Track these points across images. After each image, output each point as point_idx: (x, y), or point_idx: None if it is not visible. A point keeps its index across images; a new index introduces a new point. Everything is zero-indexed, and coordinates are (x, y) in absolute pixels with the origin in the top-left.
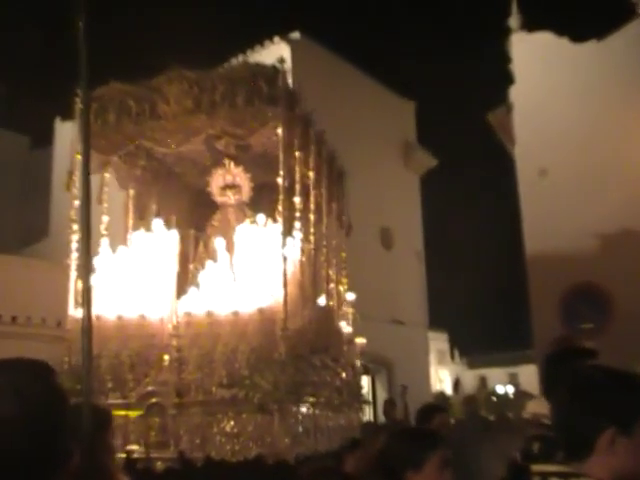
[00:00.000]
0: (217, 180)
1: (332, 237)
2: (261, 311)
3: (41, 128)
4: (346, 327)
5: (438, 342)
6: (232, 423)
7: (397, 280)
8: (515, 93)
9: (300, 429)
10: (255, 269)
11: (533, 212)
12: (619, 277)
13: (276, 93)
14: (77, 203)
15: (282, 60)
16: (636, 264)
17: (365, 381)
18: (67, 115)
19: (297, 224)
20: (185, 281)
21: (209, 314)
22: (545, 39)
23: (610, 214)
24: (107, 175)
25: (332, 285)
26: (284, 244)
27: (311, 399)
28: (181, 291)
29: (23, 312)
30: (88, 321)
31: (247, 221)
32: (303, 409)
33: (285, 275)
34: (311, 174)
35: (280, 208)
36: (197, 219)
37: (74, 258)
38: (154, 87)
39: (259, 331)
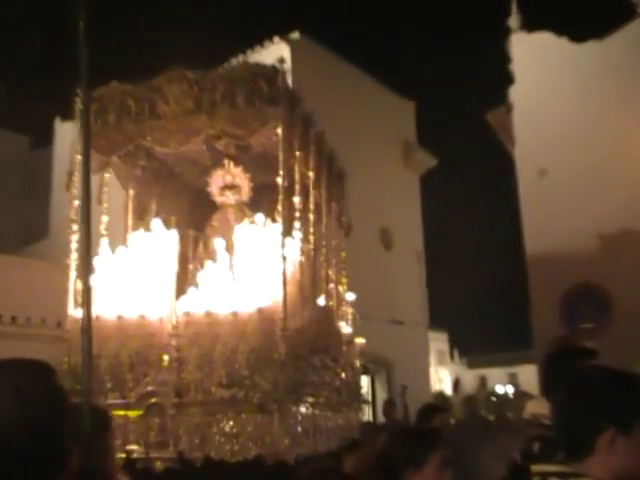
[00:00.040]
0: (217, 180)
1: (332, 237)
2: (260, 311)
3: (41, 128)
4: (346, 327)
5: (438, 342)
6: (231, 423)
7: (397, 280)
8: (515, 93)
9: (299, 429)
10: (254, 269)
11: (533, 212)
12: (619, 277)
13: (276, 93)
14: (77, 203)
15: (282, 60)
16: (636, 264)
17: (365, 381)
18: (67, 115)
19: (297, 224)
20: (185, 281)
21: (208, 314)
22: (545, 39)
23: (610, 214)
24: (107, 175)
25: (332, 285)
26: (283, 244)
27: (310, 399)
28: (181, 291)
29: (23, 312)
30: (88, 321)
31: (246, 221)
32: (302, 409)
33: (285, 275)
34: (311, 174)
35: (280, 208)
36: (197, 219)
37: (74, 258)
38: (154, 87)
39: (258, 331)
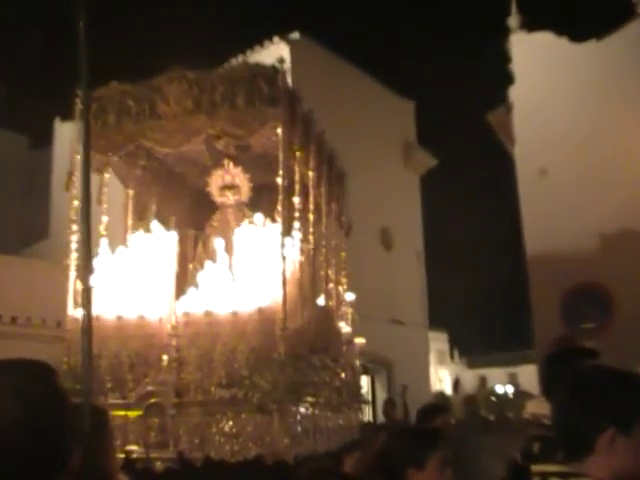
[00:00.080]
0: (216, 180)
1: (331, 237)
2: (260, 311)
3: (41, 128)
4: (345, 327)
5: (438, 342)
6: (231, 423)
7: (397, 280)
8: (515, 93)
9: (299, 429)
10: (254, 269)
11: (533, 212)
12: (619, 277)
13: (276, 93)
14: (77, 203)
15: (282, 60)
16: (637, 264)
17: (365, 381)
18: (67, 115)
19: (296, 224)
20: (184, 281)
21: (208, 314)
22: (545, 39)
23: (610, 214)
24: (107, 175)
25: (331, 285)
26: (283, 244)
27: (310, 399)
28: (180, 291)
29: (23, 312)
30: (89, 321)
31: (246, 221)
32: (302, 409)
33: (284, 275)
34: (311, 174)
35: (279, 208)
36: (197, 219)
37: (74, 258)
38: (154, 87)
39: (258, 331)
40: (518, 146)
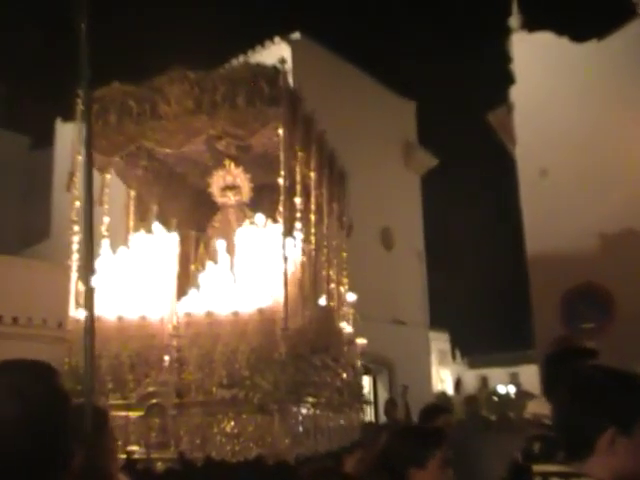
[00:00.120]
0: (217, 181)
1: (333, 237)
2: (261, 311)
3: (42, 129)
4: (347, 327)
5: (439, 342)
6: (232, 423)
7: (398, 280)
8: (516, 93)
9: (300, 429)
10: (255, 270)
11: (534, 212)
12: (620, 277)
13: (277, 94)
14: (78, 204)
15: (283, 60)
16: (637, 264)
17: (366, 381)
18: (68, 116)
19: (298, 224)
20: (186, 282)
21: (209, 314)
22: (545, 39)
23: (611, 214)
24: (108, 176)
25: (333, 285)
26: (284, 245)
27: (311, 399)
28: (182, 292)
29: (24, 313)
30: (91, 322)
31: (247, 222)
32: (303, 409)
33: (285, 275)
34: (312, 174)
35: (281, 208)
36: (198, 220)
37: (75, 259)
38: (155, 88)
39: (259, 331)
40: (519, 146)
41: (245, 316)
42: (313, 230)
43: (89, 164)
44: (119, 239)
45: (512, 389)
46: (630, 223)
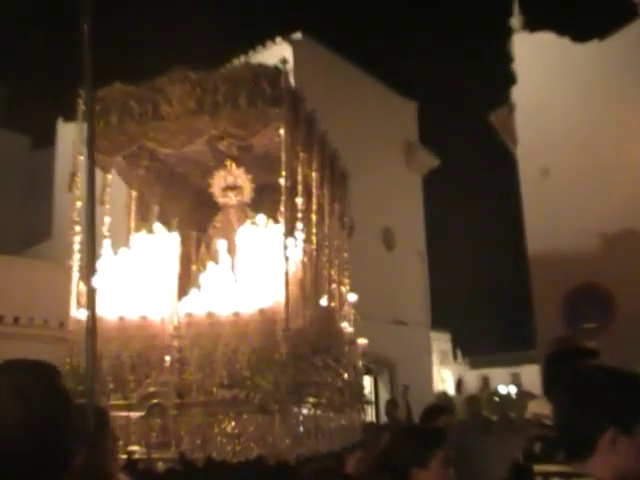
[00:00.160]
0: (219, 181)
1: (334, 238)
2: (262, 311)
3: (43, 129)
4: (348, 327)
5: (440, 342)
6: (233, 424)
7: (399, 280)
8: (517, 93)
9: (301, 430)
10: (256, 270)
11: (535, 212)
12: (621, 277)
13: (278, 94)
14: (79, 204)
15: (284, 61)
16: (638, 264)
17: (367, 381)
18: (69, 116)
19: (299, 225)
20: (187, 282)
21: (210, 314)
22: (547, 39)
23: (612, 214)
24: (109, 176)
25: (334, 286)
26: (286, 245)
27: (312, 400)
28: (183, 292)
29: (25, 313)
30: (92, 322)
31: (248, 222)
32: (304, 410)
33: (287, 276)
34: (314, 175)
35: (282, 209)
36: (199, 220)
37: (76, 259)
38: (156, 88)
39: (260, 331)
40: (520, 146)
41: (246, 316)
42: (314, 230)
43: (91, 164)
44: (120, 239)
45: (513, 389)
46: (631, 223)
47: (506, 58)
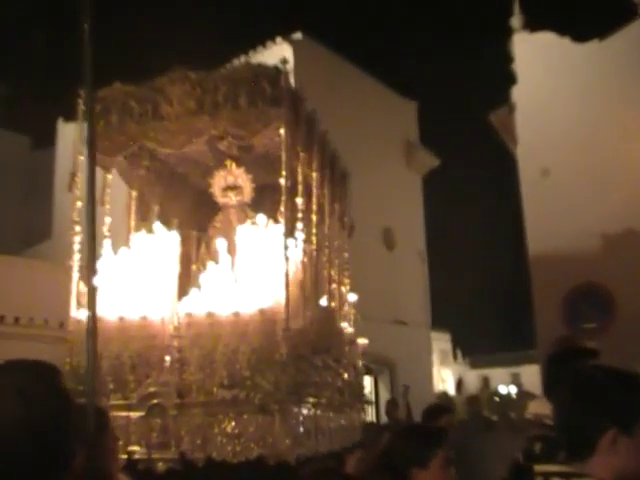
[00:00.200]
0: (219, 181)
1: (334, 238)
2: (262, 312)
3: (43, 129)
4: (348, 328)
5: (441, 342)
6: (233, 424)
7: (399, 280)
8: (517, 93)
9: (301, 430)
10: (256, 270)
11: (535, 212)
12: (621, 277)
13: (279, 94)
14: (79, 204)
15: (285, 61)
16: (638, 264)
17: (368, 381)
18: (69, 116)
19: (299, 225)
20: (187, 282)
21: (210, 315)
22: (547, 39)
23: (613, 214)
24: (109, 176)
25: (334, 286)
26: (286, 245)
27: (312, 400)
28: (183, 292)
29: (26, 313)
30: (93, 323)
31: (248, 222)
32: (304, 410)
33: (287, 276)
34: (314, 175)
35: (282, 209)
36: (199, 220)
37: (77, 259)
38: (157, 88)
39: (260, 332)
40: (520, 146)
41: (246, 316)
42: (314, 230)
43: (92, 164)
44: (120, 239)
45: (513, 389)
46: (631, 223)
47: (506, 58)
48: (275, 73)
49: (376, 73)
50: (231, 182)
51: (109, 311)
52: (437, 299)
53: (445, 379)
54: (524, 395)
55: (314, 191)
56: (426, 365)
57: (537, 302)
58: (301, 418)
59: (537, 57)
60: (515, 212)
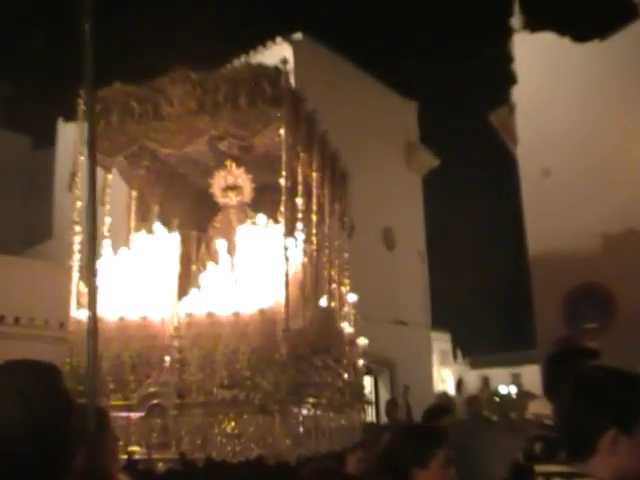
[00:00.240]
0: (219, 181)
1: (334, 238)
2: (262, 312)
3: (44, 129)
4: (348, 328)
5: (441, 342)
6: (233, 424)
7: (399, 280)
8: (517, 93)
9: (301, 430)
10: (256, 270)
11: (536, 212)
12: (622, 277)
13: (279, 94)
14: (80, 204)
15: (285, 61)
16: (639, 264)
17: (368, 382)
18: (70, 116)
19: (299, 225)
20: (187, 282)
21: (210, 315)
22: (547, 39)
23: (613, 214)
24: (109, 176)
25: (334, 286)
26: (286, 245)
27: (312, 400)
28: (183, 292)
29: (26, 313)
30: (94, 323)
31: (248, 222)
32: (304, 410)
33: (287, 276)
34: (314, 175)
35: (282, 209)
36: (199, 220)
37: (77, 259)
38: (157, 88)
39: (260, 332)
40: (521, 146)
41: (246, 317)
42: (314, 230)
43: (92, 165)
44: (120, 239)
45: (514, 389)
46: (632, 223)
47: (506, 58)
48: (275, 73)
49: (376, 73)
50: (231, 182)
51: (109, 311)
52: (437, 299)
53: (445, 379)
54: (524, 395)
55: (314, 191)
56: (426, 365)
57: (537, 302)
58: (301, 418)
59: (537, 57)
60: (515, 212)
